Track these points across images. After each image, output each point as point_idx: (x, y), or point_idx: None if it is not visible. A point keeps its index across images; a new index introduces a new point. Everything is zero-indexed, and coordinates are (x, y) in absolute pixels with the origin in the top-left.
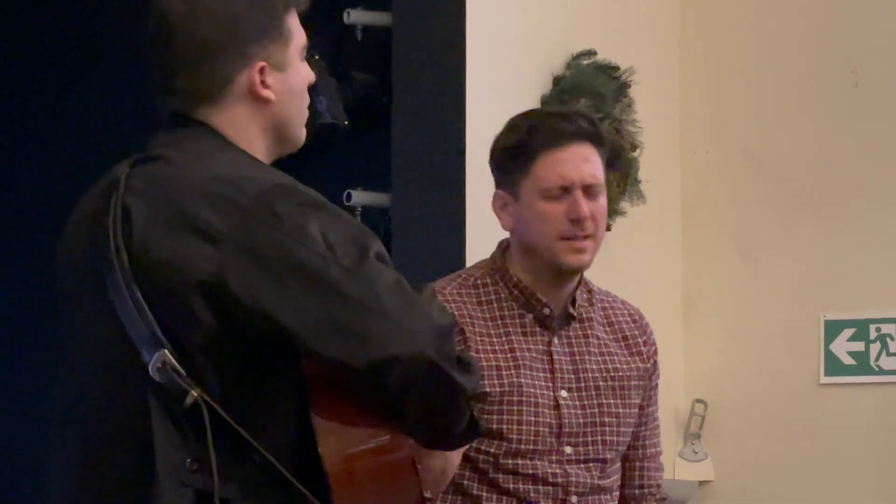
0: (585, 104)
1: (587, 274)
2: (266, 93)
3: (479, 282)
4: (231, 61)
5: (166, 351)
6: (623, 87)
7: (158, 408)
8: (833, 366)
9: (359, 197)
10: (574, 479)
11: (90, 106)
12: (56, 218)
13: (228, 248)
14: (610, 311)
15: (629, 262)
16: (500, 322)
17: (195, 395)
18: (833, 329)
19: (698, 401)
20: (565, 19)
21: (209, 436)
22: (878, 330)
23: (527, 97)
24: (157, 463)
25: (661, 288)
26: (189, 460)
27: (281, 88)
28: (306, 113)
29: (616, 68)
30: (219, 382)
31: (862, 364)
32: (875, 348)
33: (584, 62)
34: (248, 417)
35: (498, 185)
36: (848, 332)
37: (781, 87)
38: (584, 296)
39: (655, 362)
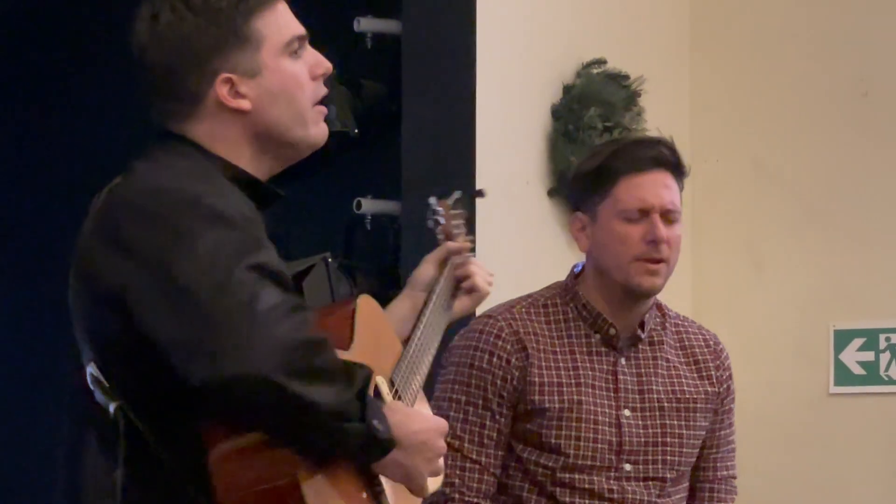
0: (595, 113)
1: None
2: (238, 103)
3: (548, 302)
4: (194, 80)
5: (93, 362)
6: (633, 97)
7: (92, 420)
8: (842, 375)
9: (368, 205)
10: (631, 496)
11: (88, 111)
12: (54, 224)
13: (134, 260)
14: (684, 335)
15: None
16: (565, 341)
17: (113, 406)
18: (842, 339)
19: None
20: (575, 28)
21: (121, 448)
22: (887, 340)
23: (537, 106)
24: (84, 473)
25: (670, 297)
26: (111, 471)
27: (257, 94)
28: (303, 110)
29: (626, 77)
30: (136, 395)
31: (871, 374)
32: (885, 358)
33: (594, 71)
34: (161, 431)
35: (577, 207)
36: (857, 342)
37: (791, 97)
38: (657, 319)
39: (729, 387)
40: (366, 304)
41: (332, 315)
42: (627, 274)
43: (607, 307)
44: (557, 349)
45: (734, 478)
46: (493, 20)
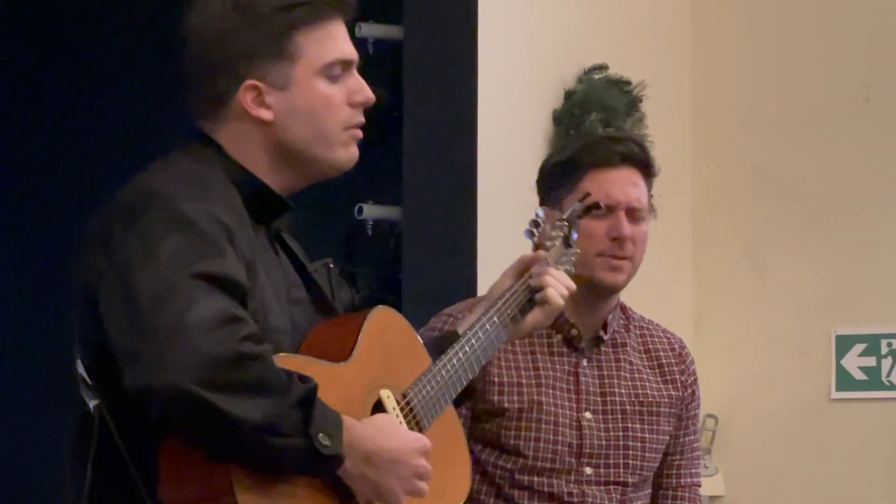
0: (597, 118)
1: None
2: (259, 112)
3: None
4: (222, 79)
5: (79, 360)
6: (635, 102)
7: (78, 416)
8: (844, 381)
9: (370, 211)
10: (591, 499)
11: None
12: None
13: (109, 260)
14: (648, 339)
15: (640, 277)
16: (526, 341)
17: (93, 404)
18: (844, 344)
19: (709, 416)
20: (577, 33)
21: (92, 446)
22: (889, 345)
23: (538, 111)
24: (64, 471)
25: (672, 303)
26: (83, 469)
27: (282, 107)
28: (329, 132)
29: (628, 83)
30: (110, 395)
31: (873, 379)
32: (886, 363)
33: (596, 76)
34: (129, 435)
35: (542, 202)
36: (859, 348)
37: (793, 102)
38: (621, 321)
39: (694, 392)
40: (381, 316)
41: (340, 326)
42: (591, 269)
43: (569, 306)
44: (518, 349)
45: (698, 486)
46: (494, 26)
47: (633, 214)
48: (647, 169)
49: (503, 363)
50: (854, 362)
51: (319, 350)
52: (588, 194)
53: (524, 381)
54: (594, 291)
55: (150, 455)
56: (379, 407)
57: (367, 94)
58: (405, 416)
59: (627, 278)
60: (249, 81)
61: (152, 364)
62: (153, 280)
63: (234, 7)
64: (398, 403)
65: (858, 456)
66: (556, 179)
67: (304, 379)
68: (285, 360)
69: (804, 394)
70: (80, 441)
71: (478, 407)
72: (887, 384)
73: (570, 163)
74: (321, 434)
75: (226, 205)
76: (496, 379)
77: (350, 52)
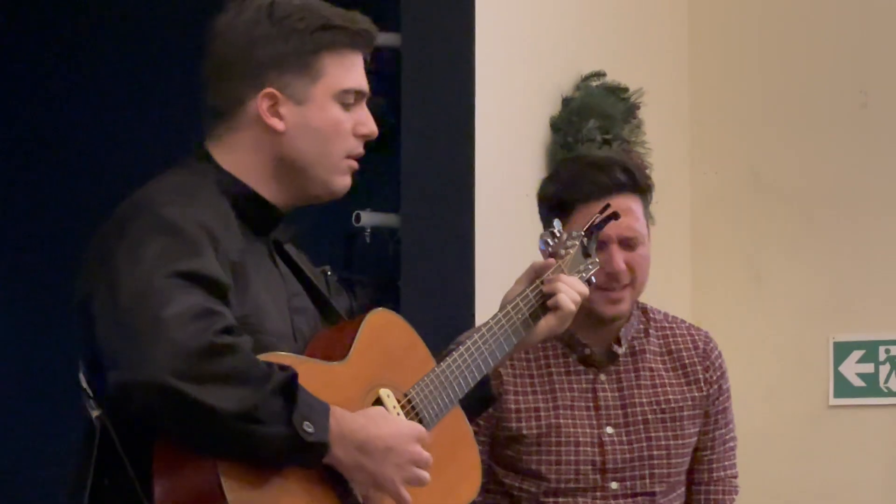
0: (594, 125)
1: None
2: (273, 121)
3: None
4: (242, 82)
5: (81, 371)
6: (632, 109)
7: (83, 425)
8: (842, 387)
9: (368, 218)
10: None
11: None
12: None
13: (100, 268)
14: (670, 339)
15: None
16: (542, 362)
17: (94, 414)
18: (842, 351)
19: None
20: (574, 40)
21: (93, 455)
22: (887, 352)
23: (536, 118)
24: (68, 479)
25: (670, 309)
26: (84, 478)
27: (294, 121)
28: (333, 156)
29: (625, 90)
30: (110, 405)
31: (871, 386)
32: (884, 370)
33: (594, 83)
34: (130, 445)
35: (545, 228)
36: (857, 354)
37: (791, 109)
38: (640, 326)
39: (721, 387)
40: (380, 317)
41: (339, 330)
42: (591, 301)
43: (579, 327)
44: (534, 371)
45: (734, 477)
46: (492, 33)
47: (627, 243)
48: (636, 189)
49: (519, 388)
50: (852, 369)
51: (318, 353)
52: (608, 205)
53: (541, 404)
54: (597, 320)
55: (148, 459)
56: (380, 405)
57: (371, 127)
58: (407, 415)
59: (630, 304)
60: (269, 89)
61: (130, 361)
62: (134, 283)
63: (269, 16)
64: (399, 402)
65: (856, 462)
66: (549, 211)
67: (285, 369)
68: (277, 358)
69: (802, 400)
70: (84, 448)
71: (497, 434)
72: (885, 391)
73: (557, 198)
74: (305, 422)
75: (212, 210)
76: (512, 406)
77: (365, 84)
